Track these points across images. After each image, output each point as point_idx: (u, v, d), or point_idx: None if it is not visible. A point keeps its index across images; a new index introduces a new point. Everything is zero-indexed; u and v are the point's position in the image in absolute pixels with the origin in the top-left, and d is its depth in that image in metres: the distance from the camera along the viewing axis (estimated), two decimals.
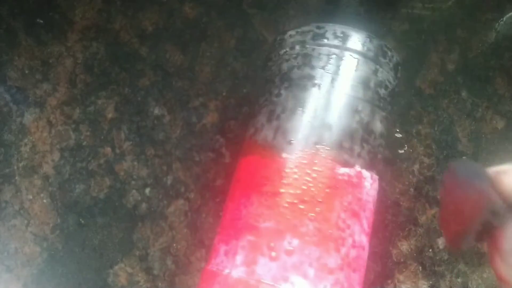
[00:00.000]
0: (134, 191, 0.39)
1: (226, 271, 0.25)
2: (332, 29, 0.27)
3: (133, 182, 0.39)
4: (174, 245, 0.38)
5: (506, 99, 0.41)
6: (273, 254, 0.24)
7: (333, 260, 0.23)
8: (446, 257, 0.38)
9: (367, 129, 0.26)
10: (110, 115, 0.40)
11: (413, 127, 0.40)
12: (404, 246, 0.38)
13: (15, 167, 0.39)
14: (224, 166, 0.39)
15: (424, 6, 0.42)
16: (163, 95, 0.40)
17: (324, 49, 0.27)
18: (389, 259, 0.38)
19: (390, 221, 0.38)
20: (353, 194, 0.25)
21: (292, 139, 0.26)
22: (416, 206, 0.39)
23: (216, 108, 0.40)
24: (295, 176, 0.25)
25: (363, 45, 0.27)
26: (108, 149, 0.39)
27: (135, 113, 0.40)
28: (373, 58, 0.27)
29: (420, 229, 0.38)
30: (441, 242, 0.38)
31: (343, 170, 0.25)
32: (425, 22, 0.42)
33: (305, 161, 0.25)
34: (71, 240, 0.38)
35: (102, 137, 0.39)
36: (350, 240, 0.24)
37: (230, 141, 0.39)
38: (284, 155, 0.26)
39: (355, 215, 0.25)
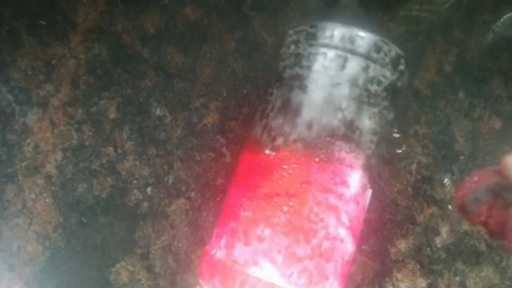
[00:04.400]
0: (136, 190, 0.39)
1: (213, 251, 0.28)
2: (324, 28, 0.28)
3: (135, 182, 0.39)
4: (175, 243, 0.38)
5: (503, 99, 0.41)
6: (248, 240, 0.26)
7: (301, 250, 0.25)
8: (444, 256, 0.38)
9: (351, 127, 0.26)
10: (112, 116, 0.40)
11: (411, 127, 0.40)
12: (402, 245, 0.38)
13: (18, 167, 0.39)
14: (225, 166, 0.39)
15: (421, 7, 0.42)
16: (165, 96, 0.40)
17: (314, 49, 0.28)
18: (387, 257, 0.38)
19: (388, 220, 0.39)
20: (329, 188, 0.26)
21: (275, 136, 0.28)
22: (414, 205, 0.39)
23: (217, 109, 0.40)
24: (274, 171, 0.27)
25: (352, 42, 0.27)
26: (110, 149, 0.40)
27: (137, 113, 0.40)
28: (364, 54, 0.27)
29: (418, 228, 0.39)
30: (439, 240, 0.39)
31: (318, 166, 0.26)
32: (422, 23, 0.43)
33: (283, 157, 0.27)
34: (74, 239, 0.38)
35: (105, 137, 0.40)
36: (323, 232, 0.25)
37: (231, 141, 0.40)
38: (267, 151, 0.28)
39: (331, 208, 0.26)
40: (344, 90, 0.27)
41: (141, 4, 0.41)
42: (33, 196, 0.39)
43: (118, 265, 0.38)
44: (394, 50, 0.28)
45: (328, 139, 0.26)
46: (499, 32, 0.43)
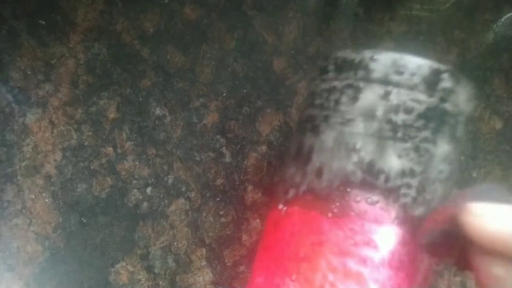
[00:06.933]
0: (135, 190, 0.39)
1: None
2: (334, 60, 0.24)
3: (134, 182, 0.39)
4: (175, 244, 0.38)
5: (504, 99, 0.41)
6: None
7: None
8: None
9: (371, 170, 0.21)
10: (112, 116, 0.40)
11: None
12: None
13: (17, 167, 0.39)
14: (225, 166, 0.39)
15: (422, 7, 0.42)
16: (164, 95, 0.40)
17: (325, 84, 0.24)
18: None
19: None
20: (348, 251, 0.21)
21: (287, 188, 0.24)
22: None
23: (217, 109, 0.40)
24: (285, 229, 0.23)
25: (364, 67, 0.22)
26: (110, 149, 0.39)
27: (137, 113, 0.40)
28: (380, 79, 0.22)
29: None
30: None
31: (331, 222, 0.21)
32: (423, 23, 0.42)
33: (293, 213, 0.23)
34: (73, 239, 0.38)
35: (104, 137, 0.40)
36: None
37: (231, 141, 0.40)
38: (280, 206, 0.24)
39: (352, 277, 0.21)
40: (358, 126, 0.22)
41: (140, 3, 0.41)
42: (32, 196, 0.39)
43: (117, 266, 0.38)
44: (427, 65, 0.22)
45: (342, 188, 0.21)
46: (500, 32, 0.43)
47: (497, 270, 0.16)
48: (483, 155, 0.41)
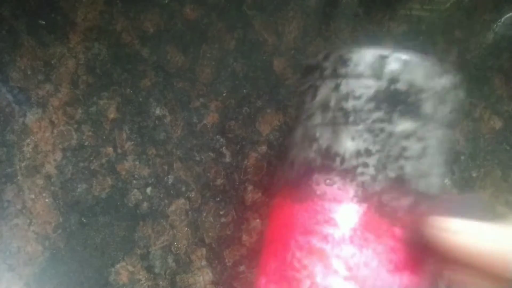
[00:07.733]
0: (135, 190, 0.39)
1: None
2: (303, 68, 0.27)
3: (134, 182, 0.39)
4: (175, 243, 0.38)
5: (504, 99, 0.41)
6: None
7: None
8: None
9: (328, 155, 0.23)
10: (112, 116, 0.40)
11: None
12: None
13: (18, 167, 0.39)
14: (225, 166, 0.39)
15: (422, 7, 0.42)
16: (164, 95, 0.40)
17: (303, 87, 0.27)
18: None
19: None
20: (311, 229, 0.23)
21: (276, 181, 0.27)
22: None
23: (217, 109, 0.40)
24: (273, 218, 0.26)
25: (319, 68, 0.25)
26: (110, 149, 0.39)
27: (137, 113, 0.40)
28: (331, 74, 0.24)
29: None
30: None
31: (299, 206, 0.24)
32: (423, 23, 0.42)
33: (277, 203, 0.26)
34: (73, 239, 0.38)
35: (104, 137, 0.40)
36: (308, 282, 0.22)
37: (231, 141, 0.40)
38: (274, 199, 0.27)
39: (315, 253, 0.23)
40: (317, 118, 0.24)
41: (140, 3, 0.41)
42: (32, 196, 0.39)
43: (118, 265, 0.38)
44: (369, 53, 0.24)
45: (307, 175, 0.24)
46: (500, 32, 0.43)
47: (460, 277, 0.18)
48: (483, 155, 0.41)
